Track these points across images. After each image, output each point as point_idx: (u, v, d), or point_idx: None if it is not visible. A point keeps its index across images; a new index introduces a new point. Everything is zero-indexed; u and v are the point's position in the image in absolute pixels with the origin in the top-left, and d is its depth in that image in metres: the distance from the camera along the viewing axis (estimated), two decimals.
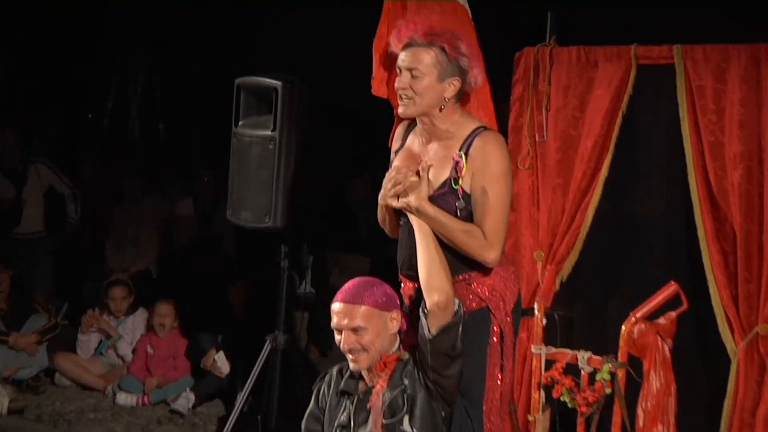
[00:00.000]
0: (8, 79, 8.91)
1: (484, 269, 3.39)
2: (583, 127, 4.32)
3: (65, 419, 6.04)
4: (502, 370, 3.45)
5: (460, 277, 3.37)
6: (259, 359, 4.76)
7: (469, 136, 3.37)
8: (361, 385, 3.34)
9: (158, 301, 6.67)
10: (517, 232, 4.48)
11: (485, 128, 3.42)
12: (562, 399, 3.96)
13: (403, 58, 3.33)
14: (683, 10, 4.69)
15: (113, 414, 6.15)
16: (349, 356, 3.27)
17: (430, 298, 3.16)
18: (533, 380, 4.13)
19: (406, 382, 3.25)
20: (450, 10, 3.80)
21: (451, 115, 3.40)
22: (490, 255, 3.30)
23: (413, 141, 3.51)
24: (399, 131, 3.62)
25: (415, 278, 3.34)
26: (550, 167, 4.38)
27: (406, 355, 3.30)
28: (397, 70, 3.36)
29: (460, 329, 3.17)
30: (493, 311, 3.41)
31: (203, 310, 6.84)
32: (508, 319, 3.44)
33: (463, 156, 3.35)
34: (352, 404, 3.33)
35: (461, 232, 3.27)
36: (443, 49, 3.29)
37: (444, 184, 3.34)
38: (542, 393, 4.08)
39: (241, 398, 4.82)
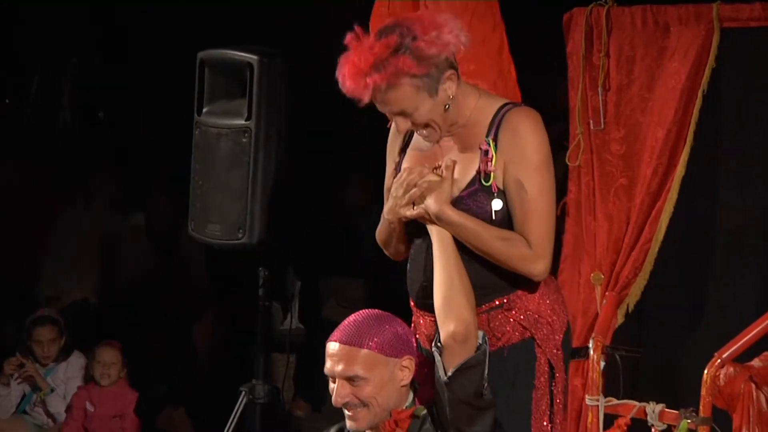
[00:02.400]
0: None
1: (526, 290, 3.42)
2: (652, 111, 4.35)
3: None
4: (552, 420, 3.46)
5: (497, 302, 3.40)
6: (231, 417, 4.76)
7: (495, 117, 3.41)
8: None
9: (100, 344, 6.67)
10: (573, 247, 4.52)
11: (514, 104, 3.45)
12: None
13: (382, 108, 3.38)
14: None
15: None
16: (346, 413, 3.28)
17: (446, 329, 3.19)
18: None
19: None
20: None
21: (466, 101, 3.44)
22: (537, 266, 3.33)
23: (420, 142, 3.55)
24: (394, 134, 3.65)
25: (432, 310, 3.35)
26: (610, 163, 4.42)
27: (422, 411, 3.29)
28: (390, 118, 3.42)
29: (486, 370, 3.18)
30: (540, 343, 3.44)
31: (159, 353, 6.87)
32: (558, 353, 3.46)
33: (492, 143, 3.38)
34: None
35: (498, 239, 3.30)
36: (412, 75, 3.30)
37: (473, 181, 3.37)
38: None
39: None
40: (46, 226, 8.22)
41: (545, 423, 3.45)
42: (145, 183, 8.11)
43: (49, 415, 6.67)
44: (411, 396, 3.31)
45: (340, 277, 7.24)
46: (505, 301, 3.40)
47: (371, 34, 3.32)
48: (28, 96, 9.53)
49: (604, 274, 4.41)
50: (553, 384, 3.45)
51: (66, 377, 6.73)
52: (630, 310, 4.42)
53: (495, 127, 3.39)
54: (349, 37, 3.30)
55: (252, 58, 4.42)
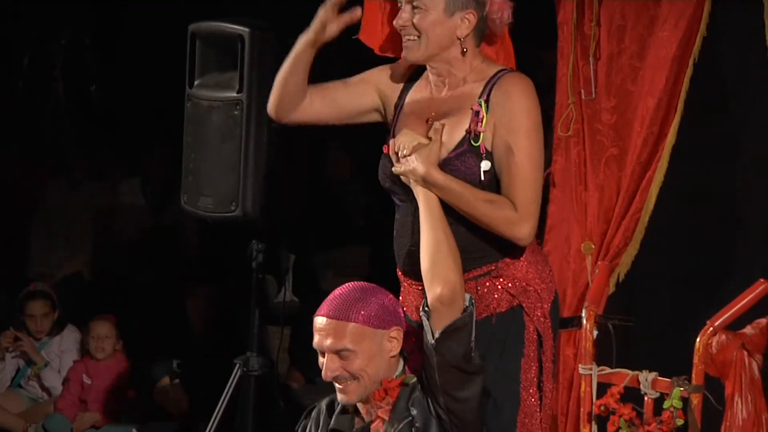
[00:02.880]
0: None
1: (514, 258, 3.45)
2: (643, 80, 4.33)
3: None
4: (540, 388, 3.50)
5: (484, 269, 3.44)
6: (226, 389, 4.78)
7: (489, 81, 3.44)
8: (357, 422, 3.37)
9: (94, 318, 6.72)
10: (558, 218, 4.52)
11: (510, 70, 3.50)
12: None
13: None
14: None
15: None
16: (337, 386, 3.30)
17: (432, 292, 3.21)
18: (582, 410, 4.16)
19: (414, 412, 3.25)
20: None
21: (472, 60, 3.48)
22: (522, 229, 3.36)
23: (416, 96, 3.58)
24: (390, 80, 3.66)
25: (419, 277, 3.37)
26: (601, 133, 4.42)
27: (412, 379, 3.32)
28: (398, 4, 3.42)
29: (473, 333, 3.20)
30: (527, 311, 3.47)
31: (153, 326, 6.90)
32: (546, 321, 3.50)
33: (483, 105, 3.41)
34: None
35: (484, 202, 3.33)
36: None
37: (462, 142, 3.40)
38: (594, 426, 4.11)
39: None
40: (38, 201, 8.25)
41: (532, 390, 3.48)
42: (138, 156, 8.10)
43: (44, 388, 6.74)
44: (401, 365, 3.33)
45: (336, 248, 7.26)
46: (492, 268, 3.44)
47: None
48: (20, 71, 9.51)
49: (594, 244, 4.41)
50: (542, 352, 3.49)
51: (60, 351, 6.80)
52: (621, 279, 4.43)
53: (488, 90, 3.42)
54: None
55: (243, 30, 4.42)
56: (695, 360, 3.87)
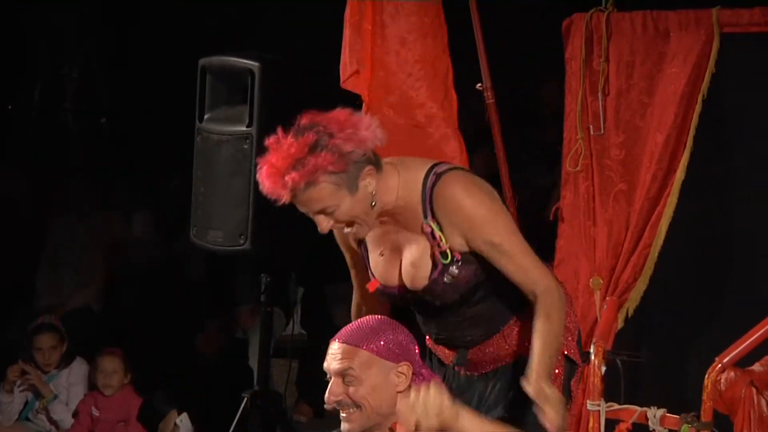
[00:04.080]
0: None
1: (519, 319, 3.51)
2: (652, 116, 4.36)
3: None
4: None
5: (512, 321, 3.52)
6: (234, 423, 4.79)
7: (423, 193, 3.42)
8: None
9: (101, 353, 6.70)
10: (567, 252, 4.54)
11: (436, 173, 3.44)
12: None
13: (302, 208, 3.37)
14: None
15: None
16: (341, 414, 3.27)
17: None
18: None
19: None
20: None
21: (387, 187, 3.43)
22: (557, 293, 3.38)
23: (370, 235, 3.59)
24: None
25: (448, 344, 3.48)
26: (610, 168, 4.43)
27: None
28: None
29: None
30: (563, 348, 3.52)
31: (162, 359, 6.89)
32: (576, 352, 3.56)
33: (433, 224, 3.41)
34: None
35: (546, 328, 3.37)
36: (330, 172, 3.27)
37: (435, 265, 3.41)
38: None
39: None
40: (47, 232, 8.24)
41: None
42: (148, 188, 8.11)
43: (51, 421, 6.69)
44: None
45: (345, 281, 7.23)
46: (518, 317, 3.49)
47: (289, 134, 3.30)
48: (32, 102, 9.56)
49: (603, 279, 4.42)
50: (572, 380, 3.55)
51: (68, 384, 6.76)
52: (630, 315, 4.42)
53: (429, 207, 3.42)
54: (269, 140, 3.30)
55: (253, 64, 4.45)
56: (704, 397, 3.85)
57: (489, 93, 4.23)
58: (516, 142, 3.89)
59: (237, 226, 4.51)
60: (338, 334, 3.29)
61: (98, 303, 8.12)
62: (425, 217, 3.40)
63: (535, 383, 3.22)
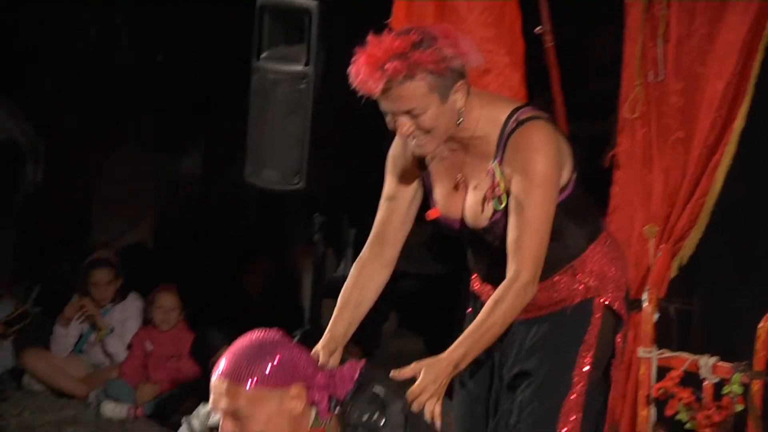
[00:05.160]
0: None
1: (590, 253, 3.52)
2: (712, 63, 4.31)
3: None
4: (607, 374, 3.58)
5: (562, 270, 3.52)
6: None
7: (501, 135, 3.44)
8: None
9: (159, 289, 6.81)
10: (622, 200, 4.53)
11: (518, 119, 3.46)
12: (678, 417, 3.99)
13: (389, 105, 3.36)
14: None
15: (98, 428, 6.33)
16: None
17: None
18: (641, 392, 4.16)
19: None
20: None
21: (470, 114, 3.44)
22: (529, 290, 3.40)
23: (438, 162, 3.60)
24: (408, 158, 3.66)
25: (497, 283, 3.44)
26: (668, 116, 4.41)
27: (330, 424, 3.20)
28: (388, 117, 3.39)
29: None
30: (605, 300, 3.55)
31: (214, 296, 7.00)
32: (623, 306, 3.58)
33: (497, 167, 3.42)
34: None
35: (495, 312, 3.38)
36: (430, 71, 3.31)
37: (493, 212, 3.46)
38: (653, 409, 4.12)
39: None
40: (101, 170, 8.31)
41: (583, 375, 3.55)
42: (203, 127, 8.14)
43: (106, 354, 6.83)
44: (313, 416, 3.19)
45: None
46: (569, 266, 3.51)
47: (392, 34, 3.33)
48: (87, 38, 9.57)
49: (658, 227, 4.40)
50: (616, 337, 3.57)
51: (122, 318, 6.88)
52: (684, 263, 4.41)
53: (502, 149, 3.44)
54: (370, 36, 3.31)
55: (311, 3, 4.46)
56: (757, 346, 3.86)
57: (548, 37, 4.22)
58: (574, 88, 3.87)
59: (292, 166, 4.53)
60: (219, 366, 3.14)
61: (152, 240, 8.22)
62: (495, 157, 3.42)
63: (444, 359, 3.26)
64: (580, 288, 3.56)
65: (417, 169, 3.63)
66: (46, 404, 6.60)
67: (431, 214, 3.61)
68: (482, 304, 3.59)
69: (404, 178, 3.66)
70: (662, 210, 4.43)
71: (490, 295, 3.55)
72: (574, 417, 3.58)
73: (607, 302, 3.57)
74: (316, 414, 3.14)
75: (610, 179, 4.56)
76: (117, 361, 6.78)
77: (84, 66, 9.33)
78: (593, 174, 4.53)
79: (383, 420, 3.11)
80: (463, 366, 3.30)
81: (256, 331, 3.18)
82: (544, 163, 3.41)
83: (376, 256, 3.67)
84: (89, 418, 6.43)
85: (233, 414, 3.05)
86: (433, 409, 3.15)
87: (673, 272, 4.41)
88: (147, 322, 6.79)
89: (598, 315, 3.57)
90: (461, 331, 3.50)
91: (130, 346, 6.76)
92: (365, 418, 3.11)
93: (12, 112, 7.87)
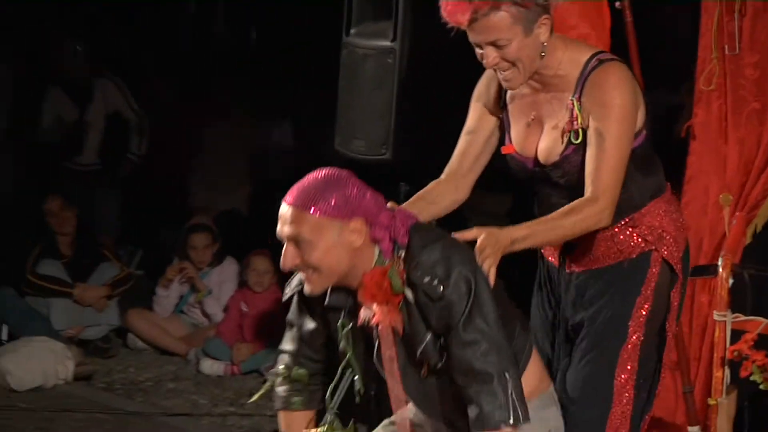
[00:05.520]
0: None
1: (651, 209, 3.54)
2: None
3: (140, 389, 6.35)
4: (664, 328, 3.59)
5: (622, 222, 3.52)
6: None
7: (582, 72, 3.47)
8: (350, 299, 3.22)
9: (253, 253, 6.89)
10: (697, 169, 4.49)
11: (600, 59, 3.48)
12: (752, 378, 3.92)
13: (476, 36, 3.39)
14: None
15: (196, 384, 6.45)
16: (301, 274, 3.18)
17: None
18: (716, 355, 4.11)
19: (409, 294, 3.08)
20: None
21: (554, 53, 3.48)
22: (604, 217, 3.40)
23: (517, 99, 3.62)
24: (490, 93, 3.69)
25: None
26: (744, 88, 4.36)
27: (393, 264, 3.10)
28: (476, 48, 3.42)
29: None
30: (664, 256, 3.55)
31: None
32: (680, 265, 3.57)
33: (576, 103, 3.45)
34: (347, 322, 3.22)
35: (565, 219, 3.39)
36: (514, 2, 3.33)
37: (567, 143, 3.47)
38: (727, 371, 4.07)
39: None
40: (200, 139, 8.43)
41: (639, 327, 3.56)
42: (295, 100, 8.20)
43: (204, 314, 6.98)
44: (377, 253, 3.13)
45: (479, 192, 7.24)
46: (628, 220, 3.52)
47: None
48: (187, 16, 9.70)
49: (733, 196, 4.37)
50: (672, 292, 3.58)
51: (220, 281, 7.00)
52: (758, 231, 4.38)
53: (582, 85, 3.46)
54: None
55: None
56: None
57: (628, 12, 4.16)
58: (651, 60, 3.86)
59: (379, 137, 4.55)
60: (288, 194, 3.12)
61: (246, 207, 8.33)
62: (574, 93, 3.46)
63: (506, 231, 3.25)
64: (639, 241, 3.56)
65: (497, 108, 3.67)
66: (149, 361, 6.77)
67: (507, 149, 3.64)
68: (548, 264, 3.67)
69: (485, 114, 3.70)
70: (737, 179, 4.39)
71: (555, 255, 3.63)
72: (630, 366, 3.59)
73: (664, 256, 3.57)
74: (380, 252, 3.10)
75: (686, 149, 4.52)
76: (215, 321, 6.89)
77: (182, 41, 9.46)
78: (670, 144, 4.55)
79: (441, 288, 3.03)
80: (518, 247, 3.25)
81: (327, 168, 3.16)
82: (622, 99, 3.43)
83: (451, 179, 3.72)
84: (189, 375, 6.57)
85: (295, 240, 3.05)
86: (489, 269, 3.15)
87: (748, 239, 4.36)
88: (242, 284, 6.88)
89: (655, 269, 3.56)
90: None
91: (226, 308, 6.86)
92: (426, 279, 3.04)
93: (119, 87, 7.97)
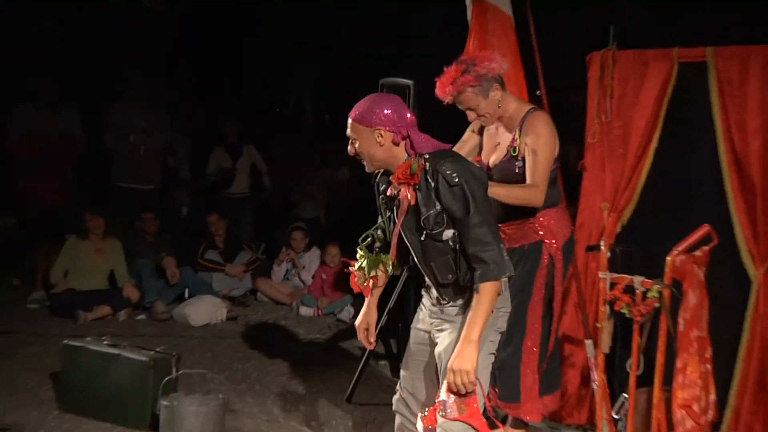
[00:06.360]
0: (239, 94, 9.07)
1: (545, 214, 3.61)
2: (637, 111, 4.26)
3: (264, 325, 6.40)
4: (549, 289, 3.65)
5: (525, 219, 3.62)
6: (398, 283, 4.65)
7: (523, 117, 3.58)
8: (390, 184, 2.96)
9: (328, 244, 6.88)
10: (589, 189, 4.43)
11: (534, 108, 3.61)
12: (621, 311, 3.88)
13: (459, 106, 3.55)
14: (715, 21, 4.55)
15: (297, 322, 6.47)
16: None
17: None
18: (600, 298, 4.03)
19: (431, 183, 2.82)
20: (500, 23, 4.06)
21: (508, 105, 3.58)
22: (537, 195, 3.45)
23: (487, 132, 3.75)
24: (476, 126, 3.83)
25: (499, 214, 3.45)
26: (613, 141, 4.33)
27: (417, 161, 2.83)
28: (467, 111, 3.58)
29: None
30: (548, 245, 3.64)
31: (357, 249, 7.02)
32: (558, 253, 3.63)
33: (518, 132, 3.56)
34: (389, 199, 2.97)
35: (518, 188, 3.52)
36: (472, 85, 3.46)
37: (507, 153, 3.60)
38: (607, 307, 4.01)
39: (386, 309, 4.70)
40: (298, 177, 8.48)
41: (541, 289, 3.67)
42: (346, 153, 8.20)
43: (301, 280, 6.99)
44: (405, 153, 2.87)
45: None
46: (532, 218, 3.62)
47: (453, 64, 3.47)
48: (288, 106, 9.77)
49: (609, 204, 4.36)
50: (554, 267, 3.67)
51: (309, 261, 7.03)
52: (624, 224, 4.36)
53: (522, 123, 3.58)
54: (445, 68, 3.49)
55: (409, 82, 4.42)
56: (666, 270, 3.78)
57: (544, 98, 4.13)
58: (559, 126, 3.86)
59: None
60: (353, 109, 2.90)
61: (323, 216, 8.34)
62: (518, 127, 3.57)
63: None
64: (535, 233, 3.62)
65: (478, 135, 3.79)
66: (269, 308, 6.77)
67: (476, 159, 3.73)
68: None
69: (472, 136, 3.82)
70: (611, 195, 4.36)
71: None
72: (538, 310, 3.68)
73: (551, 244, 3.64)
74: (407, 153, 2.87)
75: (582, 177, 4.49)
76: (307, 284, 6.91)
77: (287, 119, 9.45)
78: (572, 174, 4.48)
79: (456, 179, 2.79)
80: (490, 192, 2.95)
81: (382, 92, 3.05)
82: (545, 132, 3.55)
83: None
84: (292, 316, 6.58)
85: (351, 137, 2.89)
86: None
87: (618, 230, 4.33)
88: (322, 262, 6.90)
89: (545, 252, 3.63)
90: None
91: (313, 276, 6.89)
92: (448, 172, 2.80)
93: (255, 149, 7.93)
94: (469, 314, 2.79)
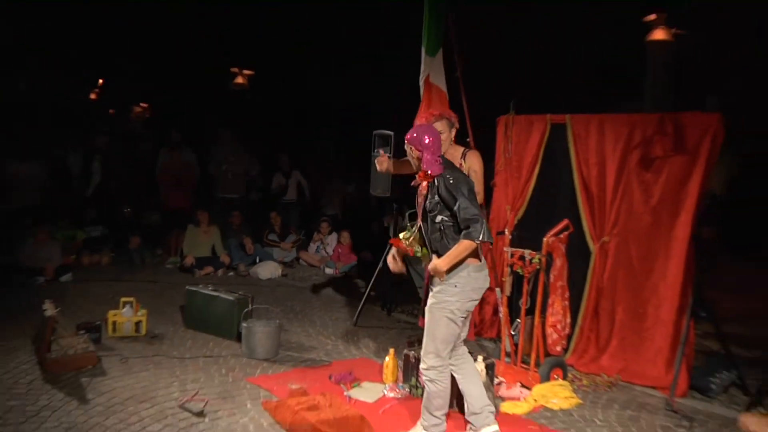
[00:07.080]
0: (291, 140, 8.83)
1: None
2: (525, 152, 4.29)
3: (304, 278, 6.43)
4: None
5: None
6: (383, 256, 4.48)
7: (462, 153, 3.53)
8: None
9: (342, 230, 6.92)
10: (497, 198, 4.40)
11: (467, 149, 3.53)
12: (517, 270, 3.79)
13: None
14: (571, 102, 4.53)
15: (324, 277, 6.43)
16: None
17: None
18: (505, 263, 3.88)
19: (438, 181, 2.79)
20: (438, 96, 3.97)
21: (453, 150, 3.43)
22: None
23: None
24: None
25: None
26: (512, 168, 4.34)
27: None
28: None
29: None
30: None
31: (360, 236, 6.90)
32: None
33: (462, 161, 3.46)
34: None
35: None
36: (448, 117, 3.33)
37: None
38: (509, 268, 3.85)
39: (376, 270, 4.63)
40: (323, 191, 8.28)
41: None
42: (358, 172, 7.57)
43: (326, 252, 6.93)
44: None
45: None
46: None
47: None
48: (318, 144, 9.54)
49: (510, 206, 4.35)
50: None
51: (331, 241, 6.97)
52: (519, 218, 4.32)
53: (463, 157, 3.48)
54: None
55: (390, 133, 3.94)
56: (543, 246, 3.70)
57: (472, 143, 3.97)
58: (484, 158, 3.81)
59: (385, 187, 3.59)
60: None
61: (340, 213, 8.08)
62: (462, 158, 3.45)
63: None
64: None
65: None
66: (307, 269, 6.75)
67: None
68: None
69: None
70: (511, 201, 4.34)
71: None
72: None
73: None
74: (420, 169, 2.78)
75: (492, 191, 4.41)
76: (329, 254, 6.88)
77: (318, 156, 9.12)
78: (489, 189, 4.48)
79: (452, 181, 2.72)
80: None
81: (424, 124, 2.80)
82: (480, 167, 3.43)
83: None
84: (322, 274, 6.56)
85: (409, 152, 2.80)
86: None
87: (515, 222, 4.30)
88: (339, 242, 6.84)
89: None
90: None
91: (334, 250, 6.84)
92: (449, 176, 2.73)
93: (299, 172, 7.59)
94: (447, 252, 2.70)
